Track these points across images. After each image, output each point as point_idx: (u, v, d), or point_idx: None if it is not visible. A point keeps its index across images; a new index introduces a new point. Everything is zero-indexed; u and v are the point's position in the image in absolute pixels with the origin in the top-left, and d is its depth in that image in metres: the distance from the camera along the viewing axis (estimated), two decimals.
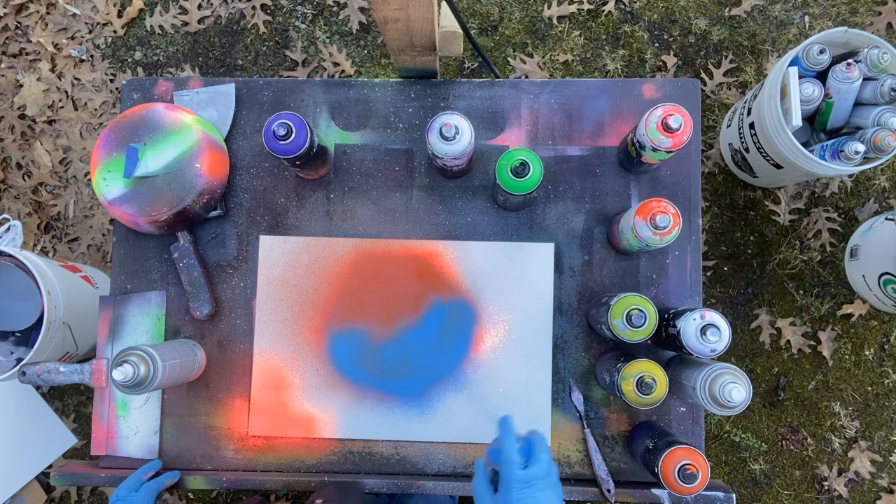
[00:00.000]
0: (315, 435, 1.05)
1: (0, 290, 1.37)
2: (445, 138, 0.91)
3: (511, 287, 1.06)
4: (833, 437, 1.67)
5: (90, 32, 1.86)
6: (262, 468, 1.05)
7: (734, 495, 0.98)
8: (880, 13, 1.75)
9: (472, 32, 1.50)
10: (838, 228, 1.71)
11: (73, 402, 1.75)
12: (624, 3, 1.79)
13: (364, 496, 1.01)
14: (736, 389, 0.82)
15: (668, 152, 0.92)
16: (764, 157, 1.51)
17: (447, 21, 1.01)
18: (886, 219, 1.56)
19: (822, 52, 1.36)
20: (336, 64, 1.80)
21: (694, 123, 0.98)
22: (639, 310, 0.87)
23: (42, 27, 1.85)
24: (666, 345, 0.96)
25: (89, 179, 1.83)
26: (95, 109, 1.84)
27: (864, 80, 1.36)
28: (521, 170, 0.91)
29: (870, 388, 1.68)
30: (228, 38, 1.83)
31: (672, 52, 1.77)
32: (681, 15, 1.78)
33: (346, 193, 1.10)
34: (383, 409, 1.05)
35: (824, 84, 1.38)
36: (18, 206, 1.82)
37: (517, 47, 1.79)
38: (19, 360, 1.37)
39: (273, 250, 1.08)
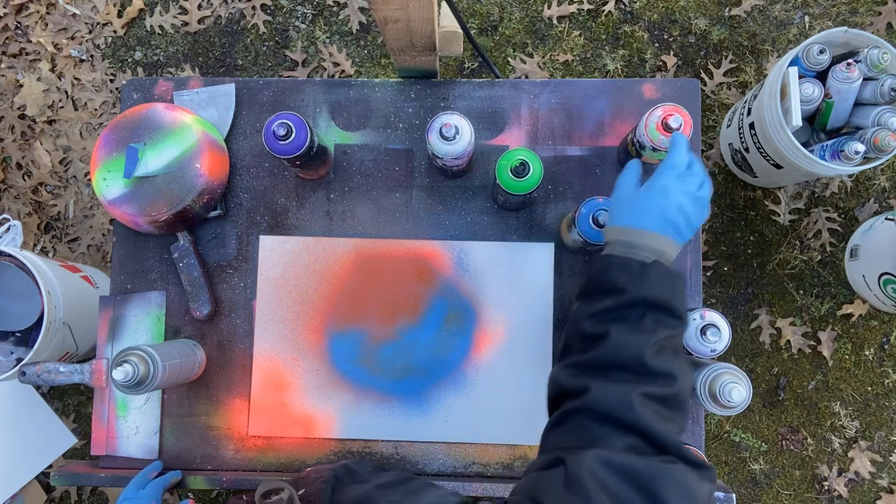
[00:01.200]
0: (315, 435, 1.05)
1: (0, 290, 1.37)
2: (445, 138, 0.91)
3: (511, 287, 1.06)
4: (833, 437, 1.67)
5: (90, 32, 1.86)
6: (262, 468, 1.05)
7: (734, 495, 0.98)
8: (880, 13, 1.75)
9: (472, 32, 1.50)
10: (838, 228, 1.71)
11: (73, 402, 1.75)
12: (624, 3, 1.79)
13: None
14: (736, 389, 0.82)
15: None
16: (764, 157, 1.51)
17: (447, 21, 1.01)
18: (886, 219, 1.56)
19: (822, 52, 1.36)
20: (336, 64, 1.80)
21: (694, 123, 0.98)
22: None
23: (42, 27, 1.85)
24: None
25: (89, 179, 1.83)
26: (95, 109, 1.84)
27: (864, 80, 1.36)
28: (521, 170, 0.91)
29: (870, 388, 1.68)
30: (228, 38, 1.84)
31: (672, 52, 1.77)
32: (681, 15, 1.78)
33: (346, 193, 1.10)
34: (383, 409, 1.05)
35: (824, 84, 1.38)
36: (18, 206, 1.82)
37: (517, 47, 1.79)
38: (19, 360, 1.37)
39: (273, 250, 1.08)
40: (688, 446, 0.60)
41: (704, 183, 0.75)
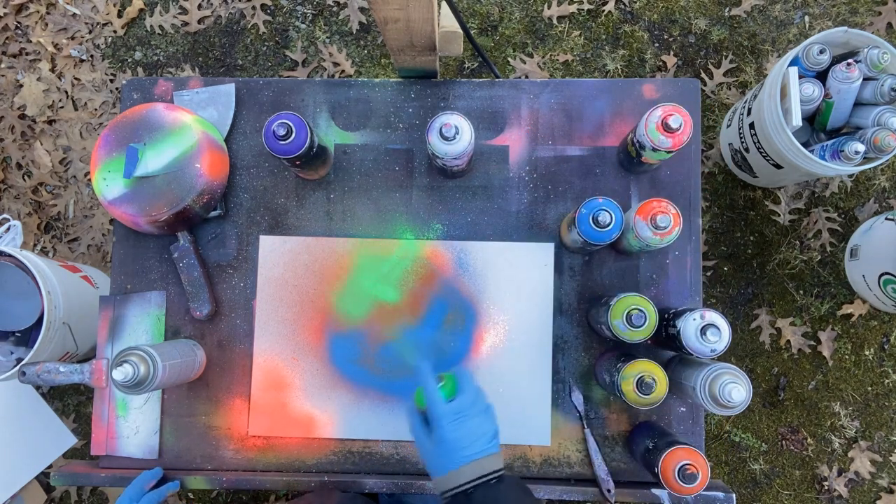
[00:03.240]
0: (315, 435, 1.05)
1: (0, 290, 1.37)
2: (445, 138, 0.91)
3: (511, 287, 1.06)
4: (833, 437, 1.67)
5: (90, 32, 1.86)
6: (262, 468, 1.05)
7: (734, 495, 0.98)
8: (880, 13, 1.75)
9: (472, 32, 1.50)
10: (838, 228, 1.71)
11: (73, 402, 1.75)
12: (624, 3, 1.79)
13: (350, 499, 1.01)
14: (736, 389, 0.82)
15: (668, 152, 0.92)
16: (764, 157, 1.51)
17: (447, 21, 1.01)
18: (886, 219, 1.56)
19: (822, 52, 1.36)
20: (336, 64, 1.80)
21: (694, 123, 0.98)
22: (639, 310, 0.87)
23: (42, 27, 1.85)
24: (666, 345, 0.96)
25: (89, 179, 1.83)
26: (95, 109, 1.84)
27: (864, 80, 1.36)
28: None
29: (870, 388, 1.68)
30: (228, 38, 1.84)
31: (672, 52, 1.77)
32: (681, 15, 1.78)
33: (346, 193, 1.10)
34: (383, 409, 1.05)
35: (824, 84, 1.38)
36: (18, 206, 1.82)
37: (517, 47, 1.79)
38: (19, 360, 1.37)
39: (273, 250, 1.08)
40: None
41: (476, 397, 0.81)
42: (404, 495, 1.10)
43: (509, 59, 1.78)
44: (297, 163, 0.97)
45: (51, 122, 1.85)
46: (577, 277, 1.07)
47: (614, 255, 1.07)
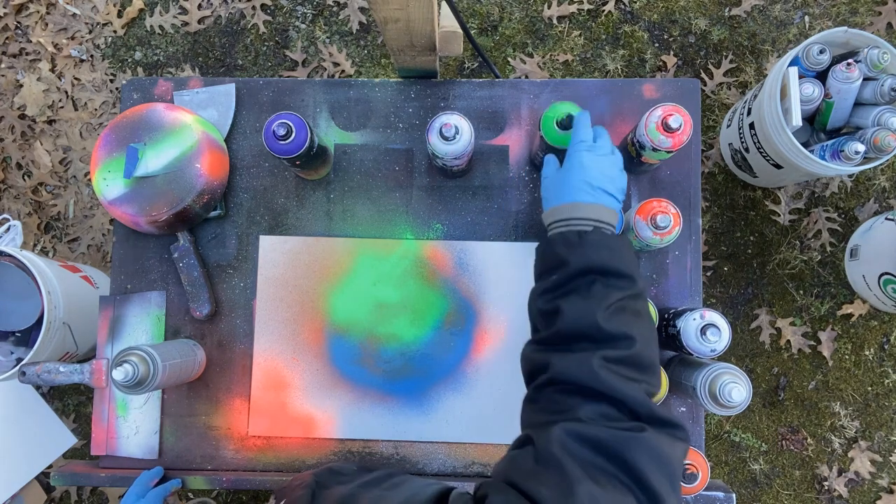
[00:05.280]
0: (315, 435, 1.05)
1: (0, 290, 1.37)
2: (445, 138, 0.91)
3: (511, 287, 1.06)
4: (833, 437, 1.67)
5: (90, 32, 1.86)
6: (262, 468, 1.05)
7: (734, 495, 0.98)
8: (880, 13, 1.75)
9: (472, 32, 1.50)
10: (838, 228, 1.71)
11: (73, 402, 1.75)
12: (624, 3, 1.79)
13: None
14: (736, 389, 0.82)
15: (668, 152, 0.92)
16: (764, 157, 1.51)
17: (447, 21, 1.01)
18: (886, 219, 1.56)
19: (822, 52, 1.36)
20: (336, 64, 1.80)
21: (694, 123, 0.98)
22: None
23: (42, 27, 1.85)
24: (666, 345, 0.96)
25: (89, 179, 1.83)
26: (95, 109, 1.84)
27: (864, 80, 1.36)
28: (567, 122, 0.89)
29: (870, 388, 1.68)
30: (228, 38, 1.84)
31: (672, 52, 1.77)
32: (681, 15, 1.78)
33: (346, 193, 1.10)
34: (383, 409, 1.05)
35: (824, 84, 1.38)
36: (18, 206, 1.82)
37: (517, 47, 1.79)
38: (19, 360, 1.37)
39: (273, 250, 1.08)
40: (659, 407, 0.60)
41: (613, 149, 0.80)
42: None
43: (509, 59, 1.78)
44: (297, 163, 0.97)
45: (51, 122, 1.85)
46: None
47: None
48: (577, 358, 0.63)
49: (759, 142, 1.49)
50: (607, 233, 0.72)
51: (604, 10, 1.78)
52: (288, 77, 1.81)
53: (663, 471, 0.53)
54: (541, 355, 0.66)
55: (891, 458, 1.66)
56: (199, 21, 1.83)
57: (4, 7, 1.84)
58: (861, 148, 1.32)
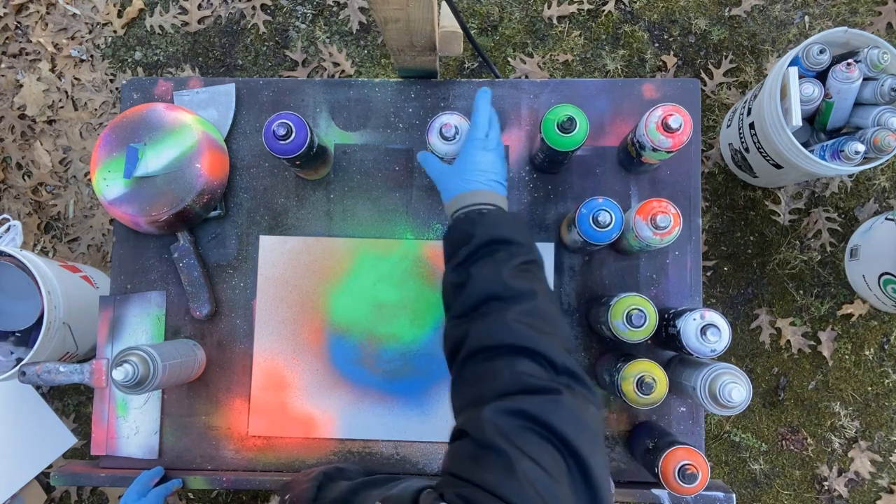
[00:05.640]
0: (315, 435, 1.05)
1: (0, 290, 1.37)
2: (445, 138, 0.91)
3: None
4: (833, 437, 1.67)
5: (90, 32, 1.86)
6: (261, 468, 1.05)
7: (734, 495, 0.98)
8: (880, 13, 1.75)
9: (472, 32, 1.50)
10: (838, 228, 1.71)
11: (73, 402, 1.75)
12: (624, 3, 1.79)
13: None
14: (736, 389, 0.82)
15: (668, 152, 0.92)
16: (764, 157, 1.51)
17: (447, 21, 1.01)
18: (886, 219, 1.56)
19: (822, 52, 1.36)
20: (336, 64, 1.80)
21: (694, 123, 0.98)
22: (639, 310, 0.87)
23: (42, 27, 1.85)
24: (666, 345, 0.96)
25: (89, 179, 1.83)
26: (95, 109, 1.84)
27: (864, 80, 1.36)
28: (568, 125, 0.90)
29: (870, 388, 1.68)
30: (228, 38, 1.84)
31: (672, 52, 1.77)
32: (681, 15, 1.78)
33: (346, 193, 1.10)
34: (383, 409, 1.05)
35: (824, 84, 1.38)
36: (18, 206, 1.82)
37: (517, 47, 1.79)
38: (19, 360, 1.37)
39: (273, 250, 1.08)
40: (573, 361, 0.66)
41: (499, 142, 0.87)
42: None
43: (509, 59, 1.78)
44: (297, 163, 0.97)
45: (51, 122, 1.85)
46: (577, 277, 1.07)
47: (614, 255, 1.07)
48: (492, 319, 0.67)
49: (759, 142, 1.49)
50: (502, 211, 0.81)
51: (604, 10, 1.78)
52: (288, 77, 1.81)
53: (582, 430, 0.58)
54: (458, 329, 0.70)
55: (891, 458, 1.66)
56: (199, 21, 1.83)
57: (4, 7, 1.84)
58: (861, 148, 1.32)
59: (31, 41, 1.86)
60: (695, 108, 1.08)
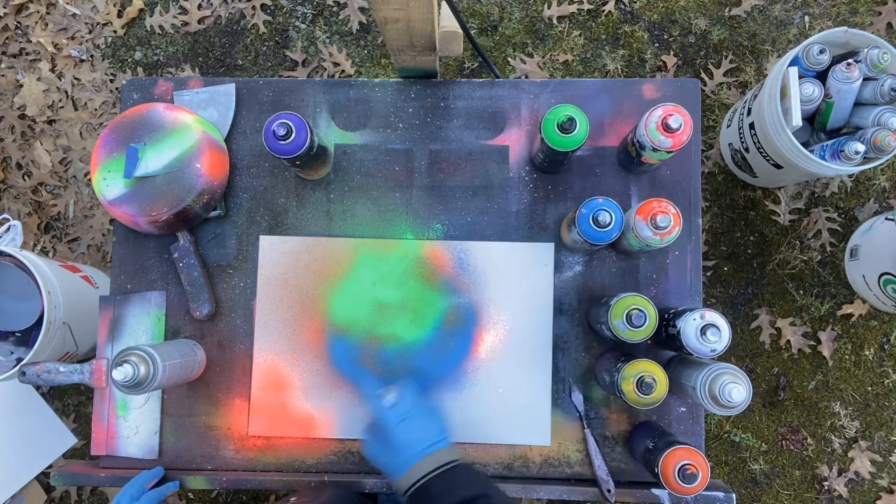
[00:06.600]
0: (315, 435, 1.05)
1: (0, 290, 1.37)
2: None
3: (511, 287, 1.06)
4: (833, 437, 1.67)
5: (90, 32, 1.86)
6: (261, 468, 1.05)
7: (734, 495, 0.98)
8: (880, 13, 1.75)
9: (472, 32, 1.50)
10: (838, 228, 1.71)
11: (73, 402, 1.75)
12: (624, 3, 1.79)
13: (343, 495, 1.01)
14: (736, 389, 0.82)
15: (668, 152, 0.92)
16: (764, 157, 1.51)
17: (447, 21, 1.01)
18: (886, 219, 1.56)
19: (822, 52, 1.36)
20: (336, 64, 1.80)
21: (694, 123, 0.98)
22: (639, 310, 0.87)
23: (42, 27, 1.85)
24: (666, 345, 0.96)
25: (89, 179, 1.83)
26: (95, 109, 1.84)
27: (864, 80, 1.36)
28: (568, 125, 0.90)
29: (870, 388, 1.68)
30: (228, 38, 1.83)
31: (672, 52, 1.77)
32: (681, 15, 1.78)
33: (346, 193, 1.10)
34: None
35: (824, 84, 1.38)
36: (18, 206, 1.82)
37: (517, 47, 1.79)
38: (19, 360, 1.37)
39: (273, 250, 1.08)
40: None
41: (414, 400, 0.87)
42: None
43: (509, 59, 1.78)
44: (297, 163, 0.97)
45: (51, 122, 1.85)
46: (577, 277, 1.07)
47: (614, 255, 1.07)
48: None
49: (759, 142, 1.49)
50: (446, 472, 0.81)
51: (604, 10, 1.78)
52: (288, 77, 1.81)
53: None
54: None
55: (891, 458, 1.66)
56: (199, 21, 1.83)
57: (4, 7, 1.84)
58: (861, 148, 1.32)
59: (31, 41, 1.86)
60: (695, 108, 1.08)
